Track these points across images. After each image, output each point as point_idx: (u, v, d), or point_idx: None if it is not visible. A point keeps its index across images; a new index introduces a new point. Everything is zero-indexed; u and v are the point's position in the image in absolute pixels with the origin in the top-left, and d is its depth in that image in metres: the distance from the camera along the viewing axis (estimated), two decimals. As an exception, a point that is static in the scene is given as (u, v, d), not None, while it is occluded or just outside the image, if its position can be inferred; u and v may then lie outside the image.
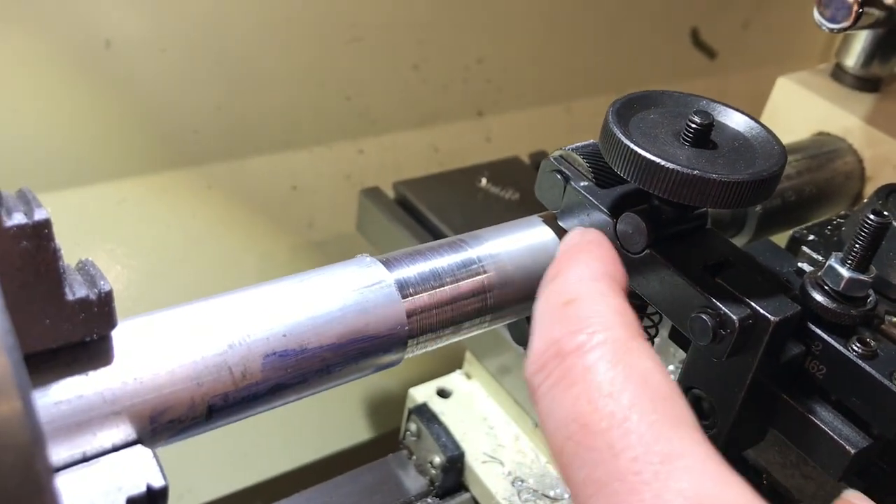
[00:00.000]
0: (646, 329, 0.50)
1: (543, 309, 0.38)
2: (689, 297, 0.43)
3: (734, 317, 0.41)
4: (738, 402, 0.44)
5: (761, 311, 0.42)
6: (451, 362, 0.83)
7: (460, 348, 0.82)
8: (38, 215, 0.31)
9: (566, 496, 0.72)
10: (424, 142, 1.11)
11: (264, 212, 1.01)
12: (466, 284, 0.46)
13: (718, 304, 0.42)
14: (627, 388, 0.32)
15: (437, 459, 0.75)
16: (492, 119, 1.16)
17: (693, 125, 0.43)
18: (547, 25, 1.16)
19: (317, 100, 1.01)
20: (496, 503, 0.72)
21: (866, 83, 0.77)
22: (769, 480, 0.51)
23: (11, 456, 0.22)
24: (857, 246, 0.44)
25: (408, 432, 0.79)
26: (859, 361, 0.42)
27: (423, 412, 0.78)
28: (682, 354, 0.47)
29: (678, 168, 0.40)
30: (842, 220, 0.60)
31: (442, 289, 0.45)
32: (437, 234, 0.84)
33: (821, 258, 0.56)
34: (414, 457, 0.78)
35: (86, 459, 0.33)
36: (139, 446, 0.35)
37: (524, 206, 0.87)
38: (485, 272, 0.47)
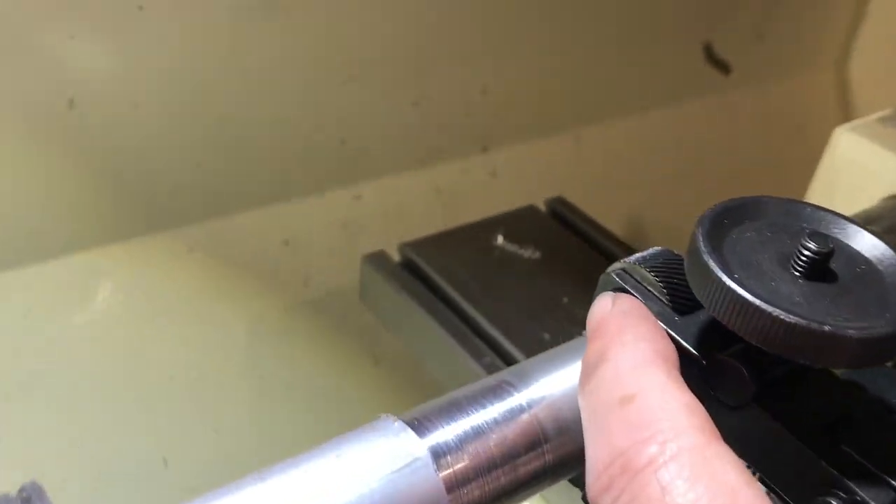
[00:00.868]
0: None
1: (595, 407, 0.33)
2: (810, 471, 0.34)
3: (873, 504, 0.32)
4: None
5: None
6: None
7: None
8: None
9: None
10: (426, 182, 1.02)
11: (253, 272, 0.91)
12: (516, 439, 0.38)
13: (852, 485, 0.33)
14: None
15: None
16: (497, 154, 1.07)
17: (808, 253, 0.34)
18: (552, 49, 1.07)
19: (308, 145, 0.91)
20: None
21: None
22: None
23: None
24: None
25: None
26: None
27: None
28: None
29: (802, 323, 0.31)
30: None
31: (487, 450, 0.37)
32: (450, 304, 0.75)
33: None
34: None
35: None
36: None
37: (546, 267, 0.79)
38: (538, 421, 0.38)
